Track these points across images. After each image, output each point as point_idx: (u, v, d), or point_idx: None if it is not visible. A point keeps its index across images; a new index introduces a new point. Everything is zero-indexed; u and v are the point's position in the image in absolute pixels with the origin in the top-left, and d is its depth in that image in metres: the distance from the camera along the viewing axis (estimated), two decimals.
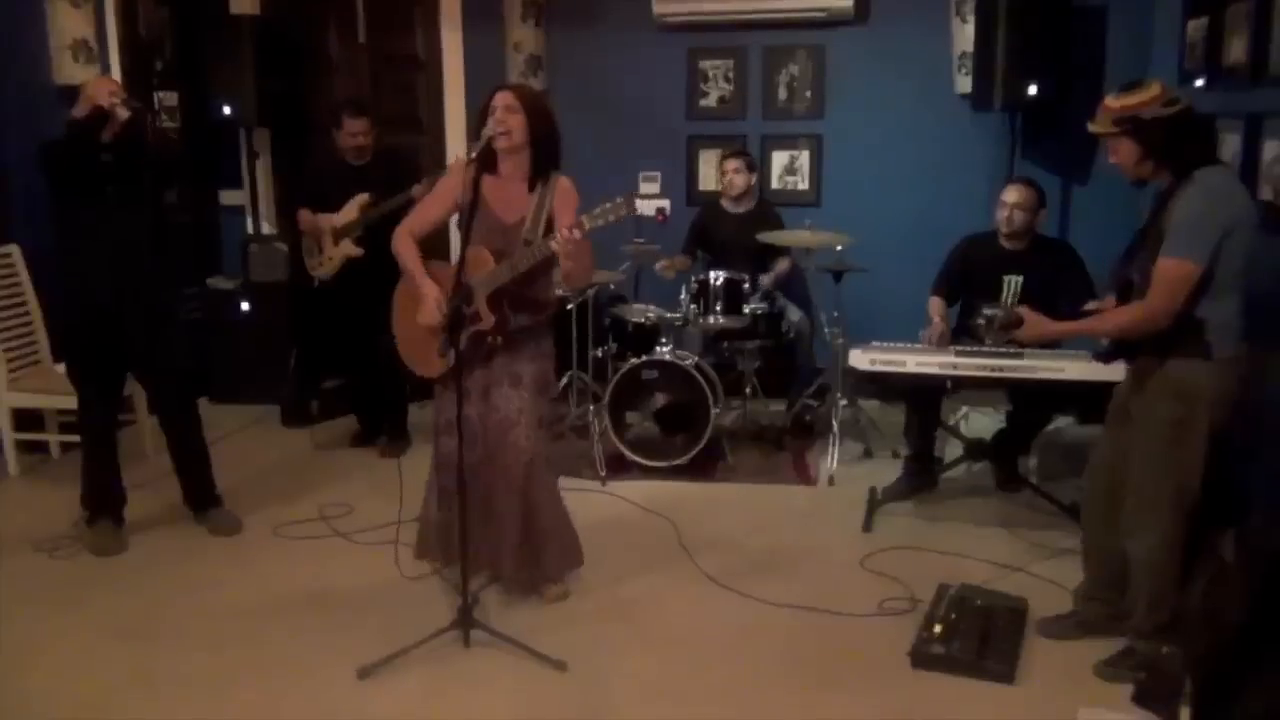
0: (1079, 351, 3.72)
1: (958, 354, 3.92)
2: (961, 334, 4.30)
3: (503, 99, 3.17)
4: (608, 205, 2.99)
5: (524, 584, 3.46)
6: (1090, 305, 3.23)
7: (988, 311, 3.19)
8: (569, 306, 4.88)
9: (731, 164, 5.24)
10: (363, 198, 4.69)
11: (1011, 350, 3.95)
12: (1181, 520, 2.91)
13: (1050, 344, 3.62)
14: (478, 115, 3.24)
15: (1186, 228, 2.72)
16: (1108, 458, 3.10)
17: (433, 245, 3.42)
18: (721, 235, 5.28)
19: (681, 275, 5.15)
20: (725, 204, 5.34)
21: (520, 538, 3.39)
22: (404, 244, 3.33)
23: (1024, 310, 3.11)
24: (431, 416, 3.50)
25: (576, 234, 2.99)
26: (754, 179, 5.31)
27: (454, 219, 3.44)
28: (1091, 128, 2.88)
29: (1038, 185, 4.29)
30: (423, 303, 3.26)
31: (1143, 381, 2.92)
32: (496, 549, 3.43)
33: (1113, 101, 2.83)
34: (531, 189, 3.24)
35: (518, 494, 3.35)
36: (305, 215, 4.80)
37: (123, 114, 3.56)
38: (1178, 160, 2.79)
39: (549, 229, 3.18)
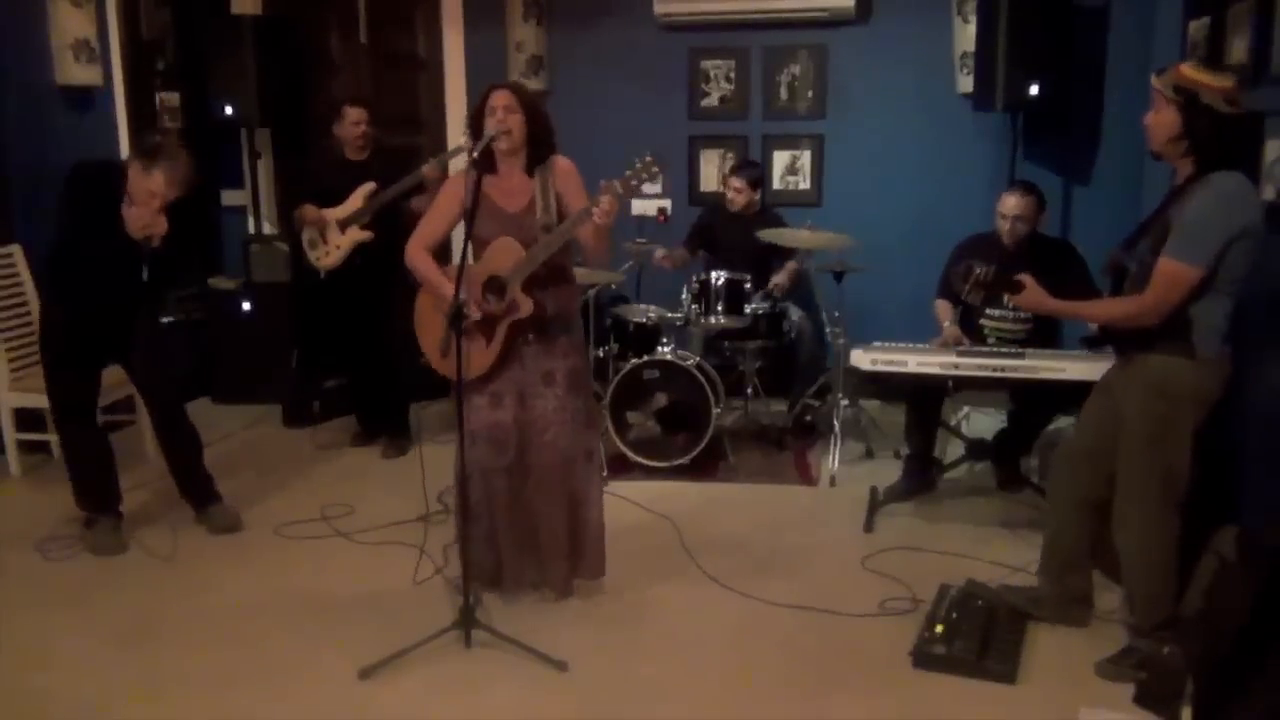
0: (1080, 352, 3.72)
1: (959, 354, 3.92)
2: (965, 334, 4.29)
3: (501, 99, 3.17)
4: (638, 165, 3.00)
5: (561, 584, 3.45)
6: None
7: (978, 268, 3.14)
8: None
9: (735, 181, 5.19)
10: (368, 186, 4.72)
11: (1013, 350, 3.96)
12: (1171, 516, 2.92)
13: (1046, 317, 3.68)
14: (472, 114, 3.25)
15: (1193, 230, 2.71)
16: (1082, 434, 3.16)
17: (442, 253, 3.43)
18: (725, 236, 5.27)
19: (681, 274, 5.14)
20: (730, 205, 5.33)
21: (567, 539, 3.39)
22: (419, 257, 3.32)
23: (1026, 277, 3.05)
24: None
25: (612, 198, 2.99)
26: (757, 195, 5.23)
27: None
28: (1155, 81, 2.82)
29: (1036, 189, 4.26)
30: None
31: (1127, 374, 2.94)
32: (540, 557, 3.41)
33: (1186, 68, 2.78)
34: (530, 176, 3.25)
35: (560, 494, 3.34)
36: (310, 209, 4.80)
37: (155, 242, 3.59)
38: (1207, 157, 2.76)
39: (560, 209, 3.20)
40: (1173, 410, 2.85)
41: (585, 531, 3.43)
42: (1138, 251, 2.87)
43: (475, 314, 3.18)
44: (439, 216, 3.35)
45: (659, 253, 5.21)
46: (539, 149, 3.25)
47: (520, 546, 3.42)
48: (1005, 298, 3.07)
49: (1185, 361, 2.81)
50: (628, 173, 3.02)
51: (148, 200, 3.56)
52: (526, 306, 3.17)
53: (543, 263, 3.16)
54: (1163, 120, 2.79)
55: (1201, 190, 2.73)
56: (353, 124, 4.81)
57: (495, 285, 3.17)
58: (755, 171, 5.28)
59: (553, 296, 3.27)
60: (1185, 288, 2.73)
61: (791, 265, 5.14)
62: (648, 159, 3.01)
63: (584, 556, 3.45)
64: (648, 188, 5.78)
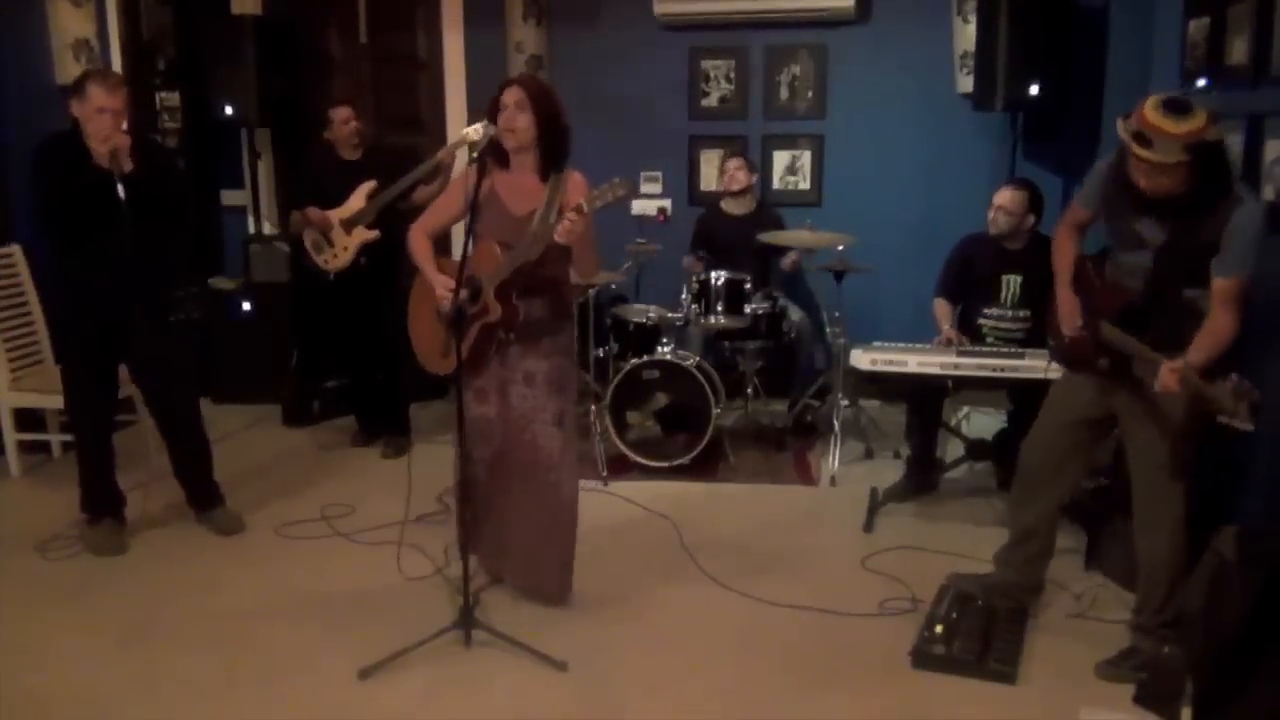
0: None
1: (959, 354, 3.92)
2: (964, 333, 4.29)
3: (513, 95, 3.15)
4: (605, 186, 3.00)
5: (524, 589, 3.47)
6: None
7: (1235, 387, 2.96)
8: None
9: (734, 162, 5.31)
10: (369, 185, 4.71)
11: (1013, 350, 3.96)
12: (1187, 517, 2.95)
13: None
14: (488, 108, 3.23)
15: (1247, 246, 2.74)
16: (1063, 436, 3.18)
17: (441, 244, 3.43)
18: (723, 238, 5.28)
19: (681, 274, 5.15)
20: (726, 206, 5.36)
21: (530, 540, 3.38)
22: (418, 241, 3.35)
23: (1174, 365, 2.73)
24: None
25: (575, 217, 2.99)
26: (755, 179, 5.34)
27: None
28: (1157, 157, 2.65)
29: (1034, 188, 4.28)
30: (435, 294, 3.26)
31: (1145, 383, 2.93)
32: (504, 550, 3.44)
33: (1176, 127, 2.64)
34: (544, 180, 3.23)
35: (534, 495, 3.33)
36: (313, 210, 4.80)
37: (126, 166, 3.52)
38: (1223, 180, 2.76)
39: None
40: (1198, 412, 2.86)
41: (545, 542, 3.38)
42: (1171, 281, 2.86)
43: (445, 305, 3.19)
44: (447, 206, 3.37)
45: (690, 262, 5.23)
46: (551, 149, 3.22)
47: (491, 545, 3.45)
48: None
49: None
50: (594, 191, 3.02)
51: (99, 117, 3.54)
52: (495, 312, 3.17)
53: (532, 269, 3.15)
54: (1177, 178, 2.70)
55: (1243, 204, 2.75)
56: (342, 123, 4.83)
57: (474, 286, 3.17)
58: (750, 158, 5.38)
59: (537, 302, 3.25)
60: (1245, 296, 2.77)
61: (793, 254, 5.16)
62: (616, 181, 3.01)
63: (539, 569, 3.41)
64: (648, 188, 5.86)
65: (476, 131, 3.20)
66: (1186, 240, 2.82)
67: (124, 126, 3.62)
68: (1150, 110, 2.68)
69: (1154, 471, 2.98)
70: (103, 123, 3.53)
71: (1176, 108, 2.68)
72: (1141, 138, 2.68)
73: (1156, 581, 3.02)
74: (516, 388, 3.30)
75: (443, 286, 3.22)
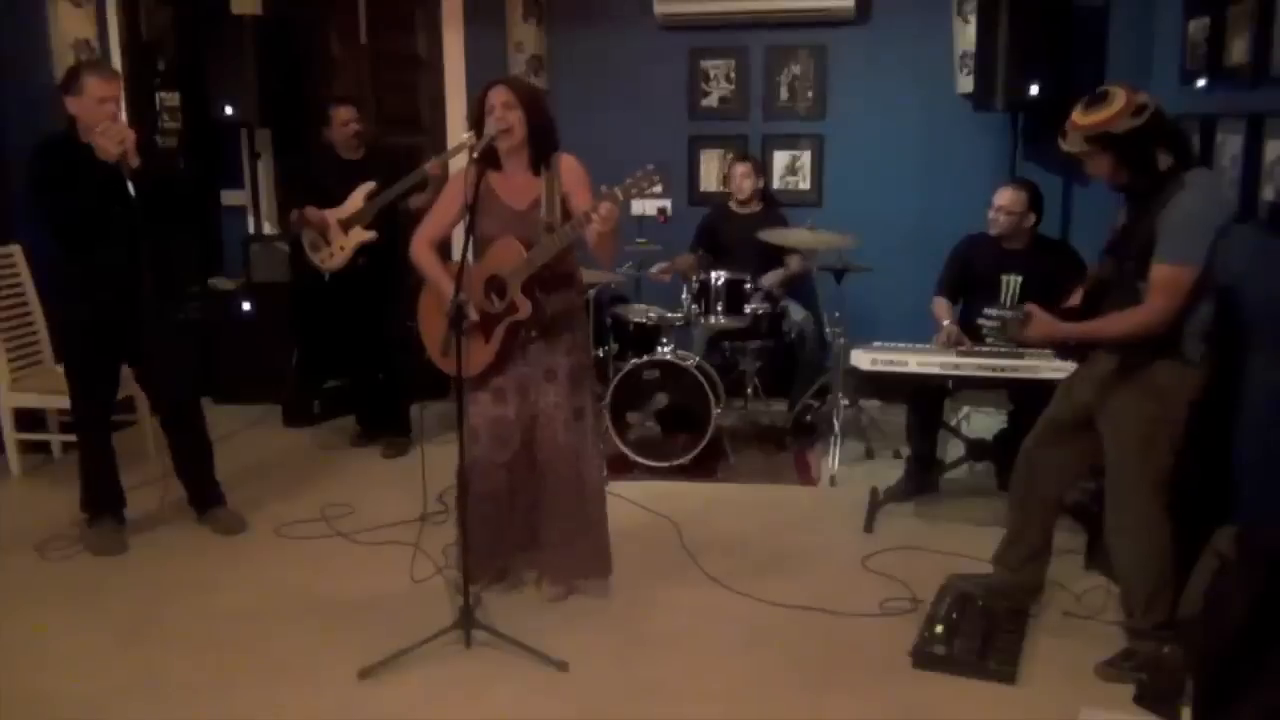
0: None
1: (959, 354, 3.92)
2: (964, 334, 4.29)
3: (499, 96, 3.15)
4: (639, 174, 2.98)
5: (563, 580, 3.48)
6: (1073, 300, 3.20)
7: (993, 313, 3.11)
8: None
9: (740, 168, 5.29)
10: (368, 186, 4.72)
11: (1013, 350, 3.95)
12: (1163, 515, 2.94)
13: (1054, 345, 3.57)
14: (473, 112, 3.24)
15: (1185, 231, 2.72)
16: (1048, 434, 3.20)
17: (445, 249, 3.42)
18: (729, 237, 5.29)
19: (682, 276, 5.14)
20: (733, 205, 5.36)
21: (563, 533, 3.40)
22: (423, 252, 3.33)
23: (1033, 308, 3.01)
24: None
25: (611, 206, 2.96)
26: (761, 181, 5.35)
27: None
28: (1065, 147, 2.84)
29: (1033, 188, 4.28)
30: None
31: (1115, 378, 2.94)
32: (536, 546, 3.46)
33: (1081, 119, 2.79)
34: (536, 174, 3.24)
35: (563, 489, 3.35)
36: (311, 210, 4.80)
37: (134, 162, 3.53)
38: (1155, 167, 2.78)
39: (565, 209, 3.18)
40: (1167, 412, 2.87)
41: (587, 527, 3.43)
42: (1126, 262, 2.87)
43: (474, 315, 3.18)
44: (444, 212, 3.35)
45: (656, 267, 5.22)
46: (541, 144, 3.23)
47: (521, 543, 3.47)
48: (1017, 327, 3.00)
49: (1178, 364, 2.84)
50: (628, 180, 3.00)
51: (101, 108, 3.54)
52: (525, 308, 3.17)
53: (547, 263, 3.16)
54: (1101, 167, 2.83)
55: (1182, 191, 2.73)
56: (342, 125, 4.83)
57: (496, 285, 3.17)
58: (755, 160, 5.38)
59: (556, 297, 3.26)
60: (1186, 289, 2.74)
61: (790, 266, 5.16)
62: (650, 168, 2.99)
63: (586, 553, 3.45)
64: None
65: (474, 137, 3.21)
66: (1134, 227, 2.86)
67: (121, 117, 3.63)
68: (1079, 103, 2.82)
69: (1114, 479, 2.99)
70: (106, 112, 3.54)
71: (1093, 100, 2.80)
72: (1062, 131, 2.86)
73: (1128, 586, 3.03)
74: (538, 384, 3.30)
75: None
